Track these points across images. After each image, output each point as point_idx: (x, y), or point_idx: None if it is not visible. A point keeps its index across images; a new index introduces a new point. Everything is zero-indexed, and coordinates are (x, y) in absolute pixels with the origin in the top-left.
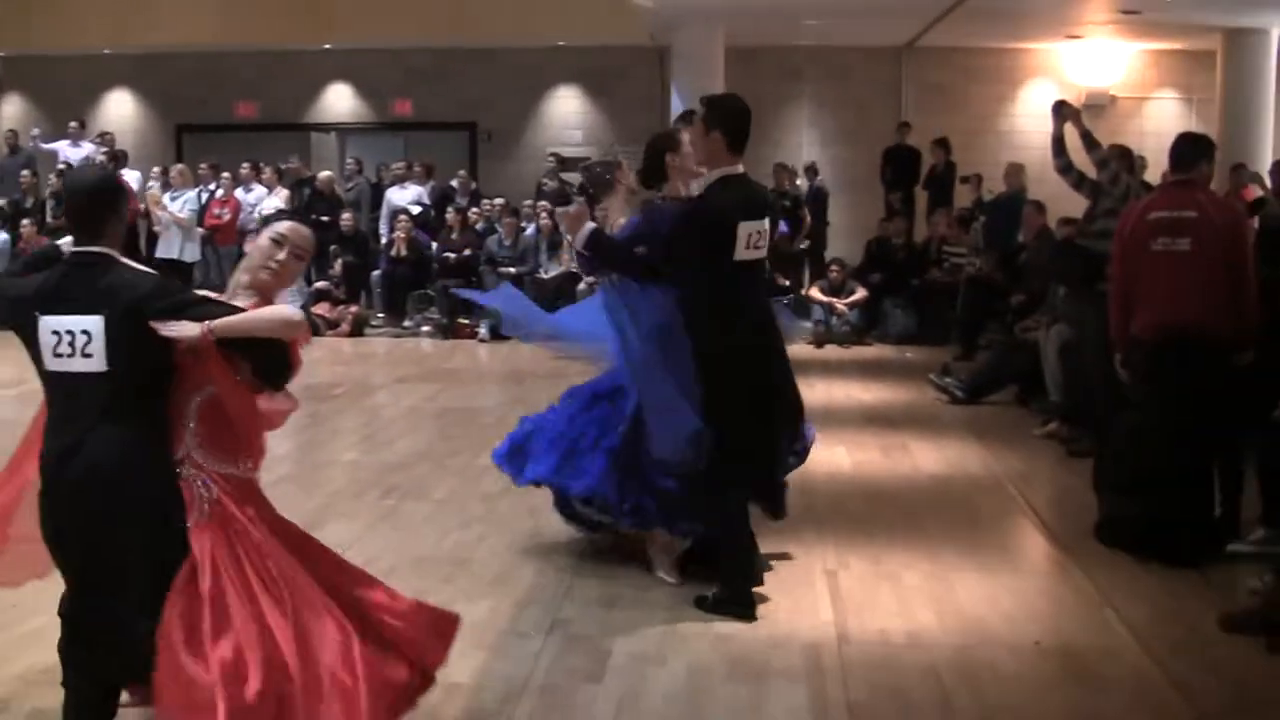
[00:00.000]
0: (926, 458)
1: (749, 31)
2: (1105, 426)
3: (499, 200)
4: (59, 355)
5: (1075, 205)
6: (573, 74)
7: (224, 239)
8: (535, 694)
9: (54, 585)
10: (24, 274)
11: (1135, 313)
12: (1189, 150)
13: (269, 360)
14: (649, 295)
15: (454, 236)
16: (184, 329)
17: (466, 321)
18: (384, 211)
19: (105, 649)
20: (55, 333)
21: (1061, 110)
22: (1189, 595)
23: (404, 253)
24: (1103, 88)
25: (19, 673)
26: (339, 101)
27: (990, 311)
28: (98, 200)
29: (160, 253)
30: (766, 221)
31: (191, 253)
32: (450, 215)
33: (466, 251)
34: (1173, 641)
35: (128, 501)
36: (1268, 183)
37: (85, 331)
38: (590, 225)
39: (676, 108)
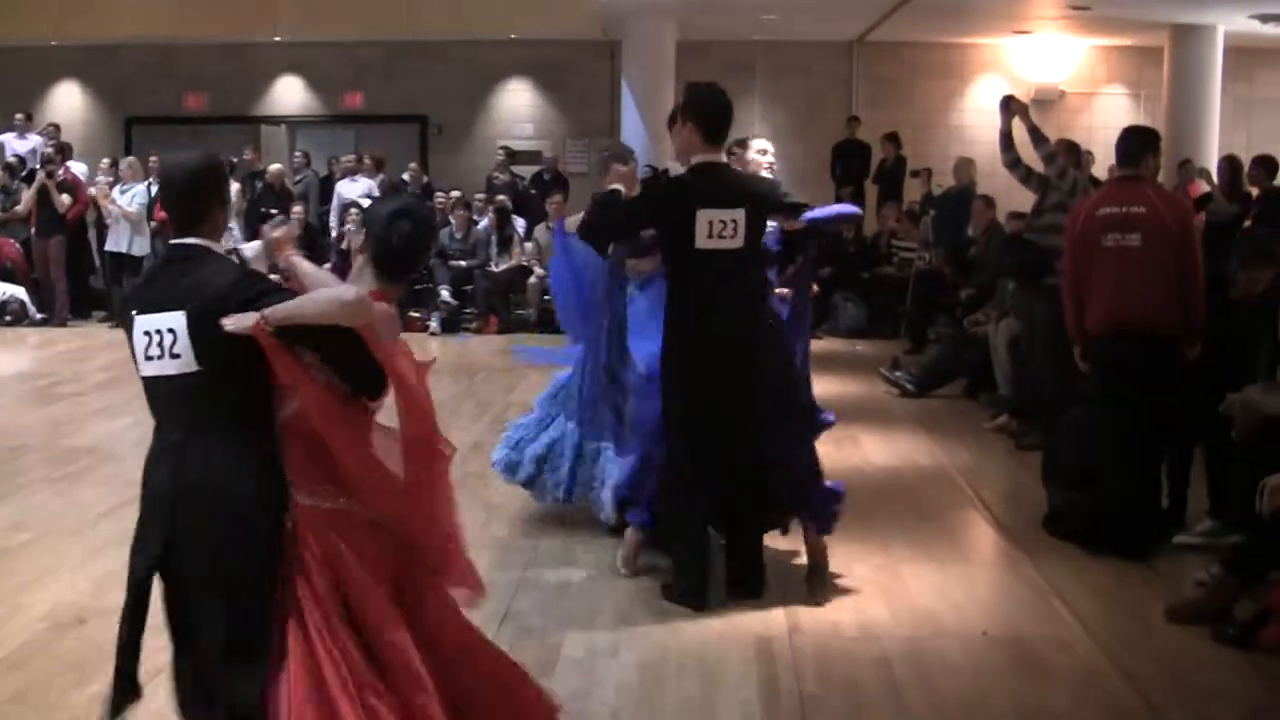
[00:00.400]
0: (877, 450)
1: (701, 26)
2: (1054, 419)
3: (455, 193)
4: (150, 358)
5: (1024, 200)
6: (524, 67)
7: None
8: None
9: (4, 586)
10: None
11: (1087, 307)
12: (1135, 144)
13: (340, 357)
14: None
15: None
16: (242, 320)
17: (417, 315)
18: (334, 205)
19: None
20: (146, 333)
21: (1010, 106)
22: (1137, 586)
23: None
24: (1052, 83)
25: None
26: (289, 94)
27: (940, 305)
28: (199, 187)
29: (109, 246)
30: (741, 212)
31: (141, 246)
32: None
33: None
34: (1120, 632)
35: (225, 523)
36: (1214, 178)
37: (171, 330)
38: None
39: (627, 101)
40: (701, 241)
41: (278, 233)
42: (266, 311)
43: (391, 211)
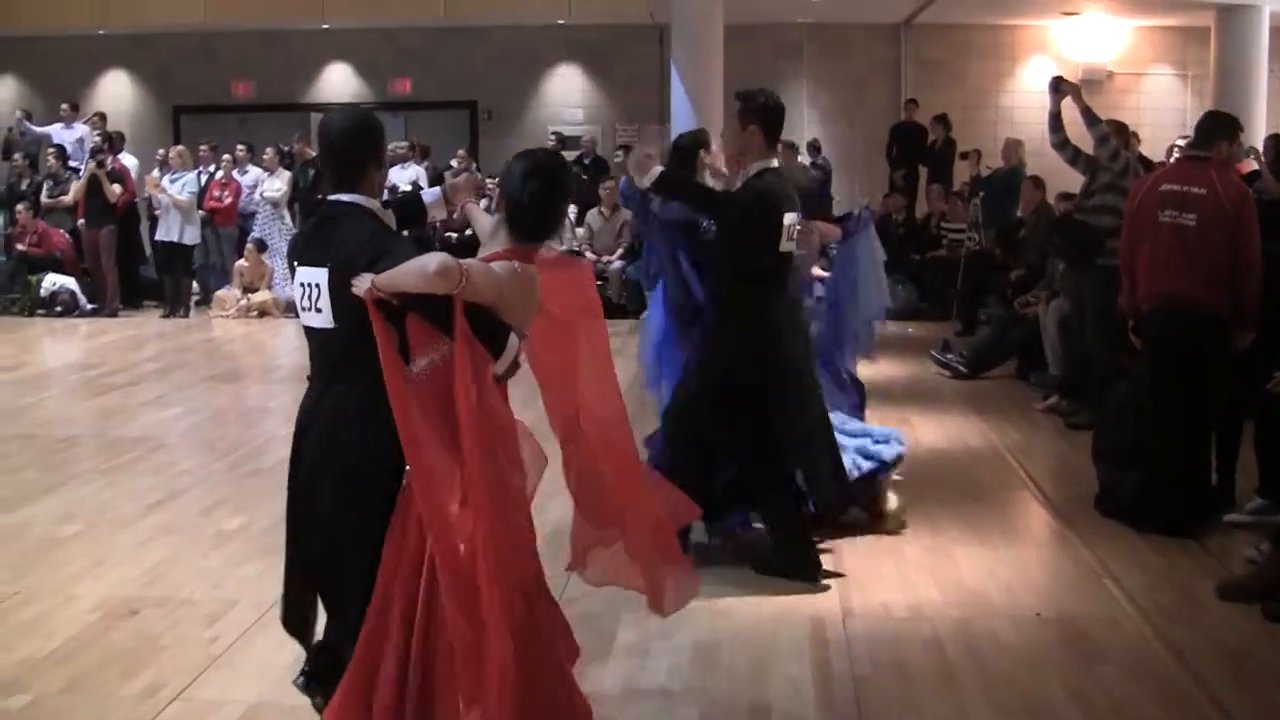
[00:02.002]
0: (928, 432)
1: (748, 9)
2: (1103, 398)
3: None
4: (304, 309)
5: (1073, 180)
6: (572, 52)
7: (224, 220)
8: None
9: (51, 575)
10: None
11: (1138, 281)
12: (1210, 127)
13: (433, 317)
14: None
15: (455, 216)
16: (360, 283)
17: None
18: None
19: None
20: (303, 284)
21: (1060, 87)
22: (1187, 564)
23: (404, 233)
24: (1100, 63)
25: (21, 658)
26: (337, 81)
27: (990, 287)
28: (355, 145)
29: (160, 235)
30: (799, 216)
31: (191, 235)
32: None
33: (468, 231)
34: (1171, 610)
35: (348, 476)
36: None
37: (316, 284)
38: (658, 167)
39: (676, 85)
40: (784, 244)
41: (458, 180)
42: (374, 278)
43: (524, 171)
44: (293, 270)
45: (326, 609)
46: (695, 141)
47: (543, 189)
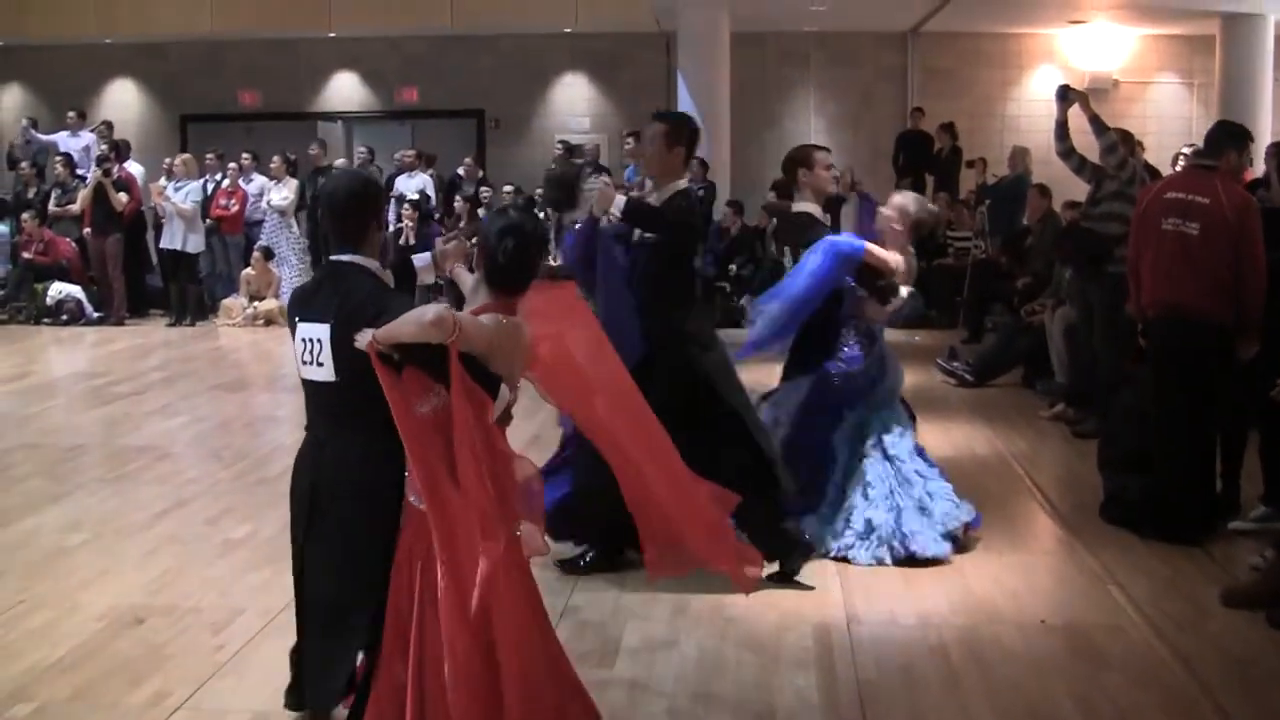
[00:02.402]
0: (934, 440)
1: (755, 16)
2: (1109, 406)
3: (507, 188)
4: (305, 363)
5: (1077, 188)
6: (579, 60)
7: (230, 229)
8: None
9: (57, 584)
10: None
11: (1142, 287)
12: (1219, 137)
13: (429, 367)
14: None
15: (462, 224)
16: (363, 337)
17: None
18: (392, 201)
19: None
20: (304, 339)
21: (1067, 95)
22: (1192, 572)
23: (413, 241)
24: (1106, 72)
25: (27, 667)
26: (344, 90)
27: (996, 295)
28: (357, 207)
29: (164, 243)
30: None
31: (195, 244)
32: (459, 204)
33: (473, 240)
34: (1176, 617)
35: (353, 515)
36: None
37: (319, 340)
38: (621, 196)
39: (682, 93)
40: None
41: (447, 247)
42: (375, 331)
43: (499, 229)
44: (293, 326)
45: (326, 632)
46: (794, 162)
47: (517, 247)
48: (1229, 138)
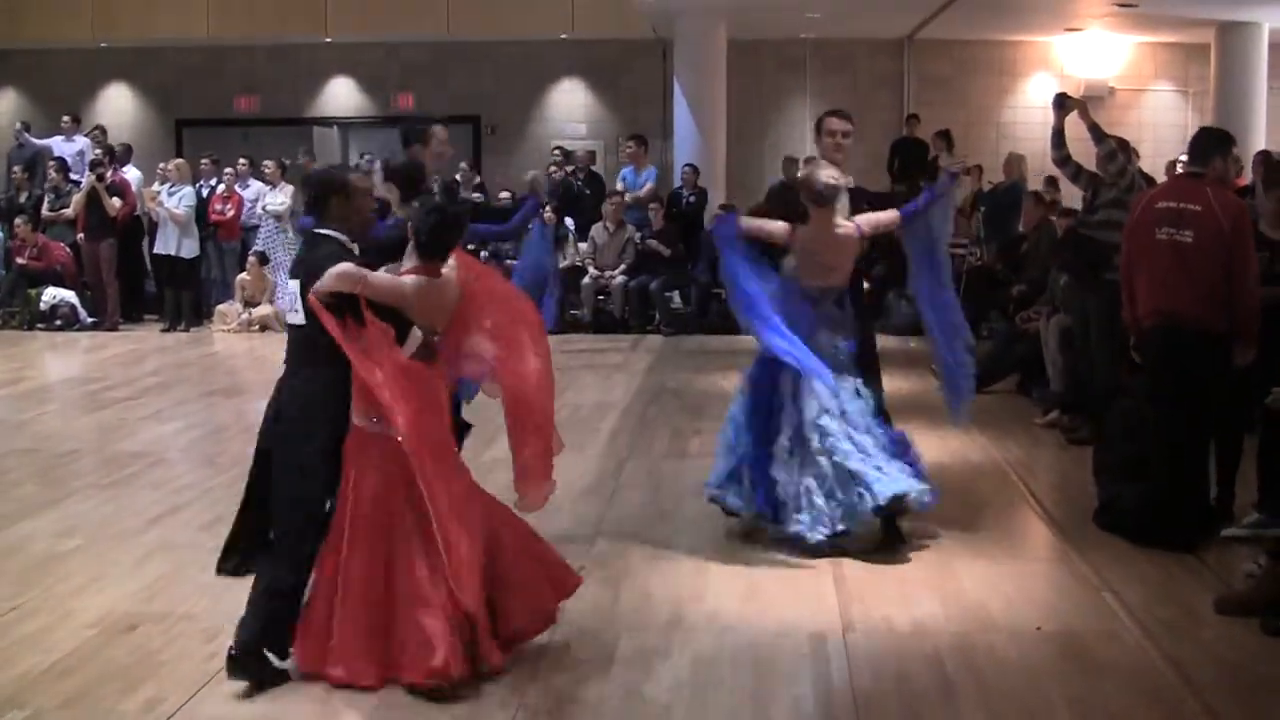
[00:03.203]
0: (929, 447)
1: (751, 25)
2: (1105, 413)
3: (504, 194)
4: (294, 310)
5: (1073, 196)
6: (576, 67)
7: (227, 234)
8: (542, 689)
9: (50, 591)
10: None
11: (1137, 298)
12: (1204, 144)
13: (352, 311)
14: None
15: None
16: (314, 290)
17: None
18: None
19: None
20: (290, 293)
21: (1064, 103)
22: (1186, 579)
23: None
24: (1101, 79)
25: (20, 674)
26: (340, 95)
27: (991, 302)
28: (321, 192)
29: (158, 248)
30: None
31: (189, 249)
32: None
33: (470, 246)
34: (1170, 624)
35: (302, 435)
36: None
37: (293, 293)
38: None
39: (679, 100)
40: None
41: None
42: (315, 286)
43: (426, 209)
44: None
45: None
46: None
47: (437, 224)
48: (1214, 144)
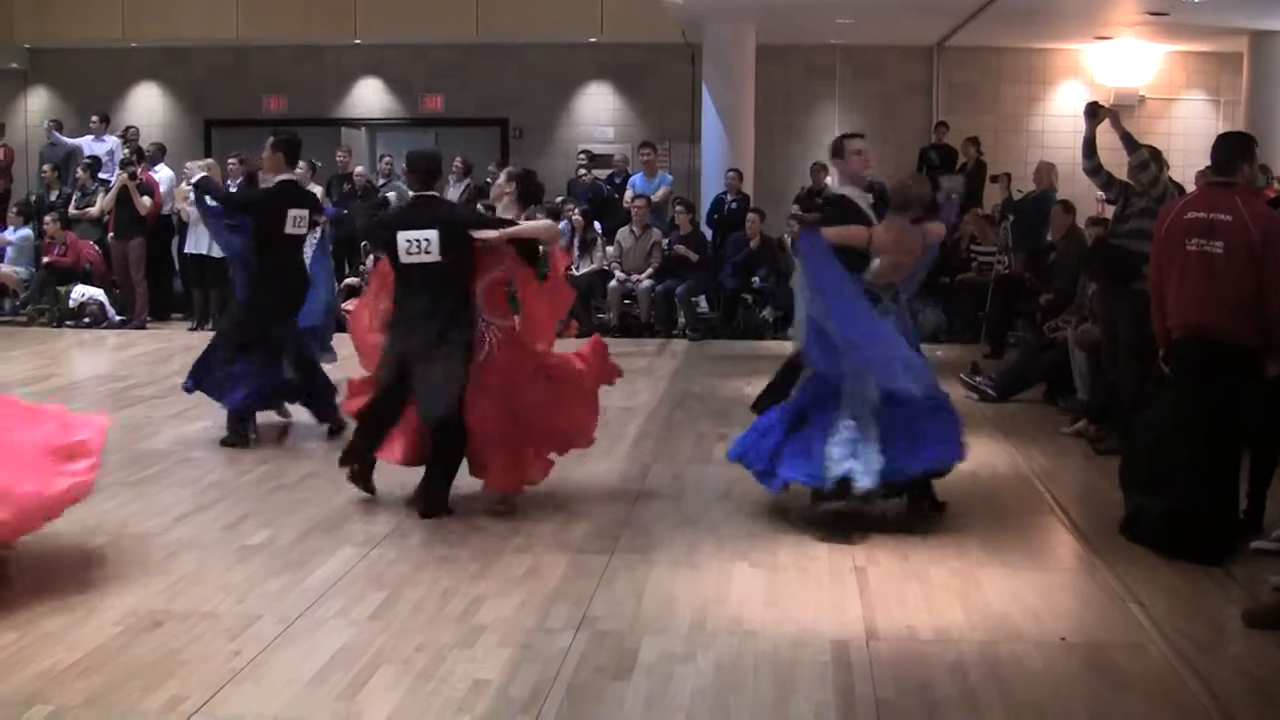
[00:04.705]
0: None
1: (780, 29)
2: (1132, 424)
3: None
4: (411, 254)
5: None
6: (604, 71)
7: None
8: (563, 691)
9: (75, 586)
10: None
11: (1167, 310)
12: (1230, 151)
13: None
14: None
15: None
16: (486, 234)
17: None
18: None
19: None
20: (408, 240)
21: (1096, 112)
22: (1213, 591)
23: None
24: (1132, 88)
25: (43, 670)
26: (368, 96)
27: (1019, 310)
28: (431, 167)
29: (188, 248)
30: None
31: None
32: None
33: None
34: (1197, 637)
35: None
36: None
37: (427, 239)
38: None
39: (708, 105)
40: None
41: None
42: (502, 232)
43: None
44: (391, 235)
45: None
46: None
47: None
48: (1240, 151)
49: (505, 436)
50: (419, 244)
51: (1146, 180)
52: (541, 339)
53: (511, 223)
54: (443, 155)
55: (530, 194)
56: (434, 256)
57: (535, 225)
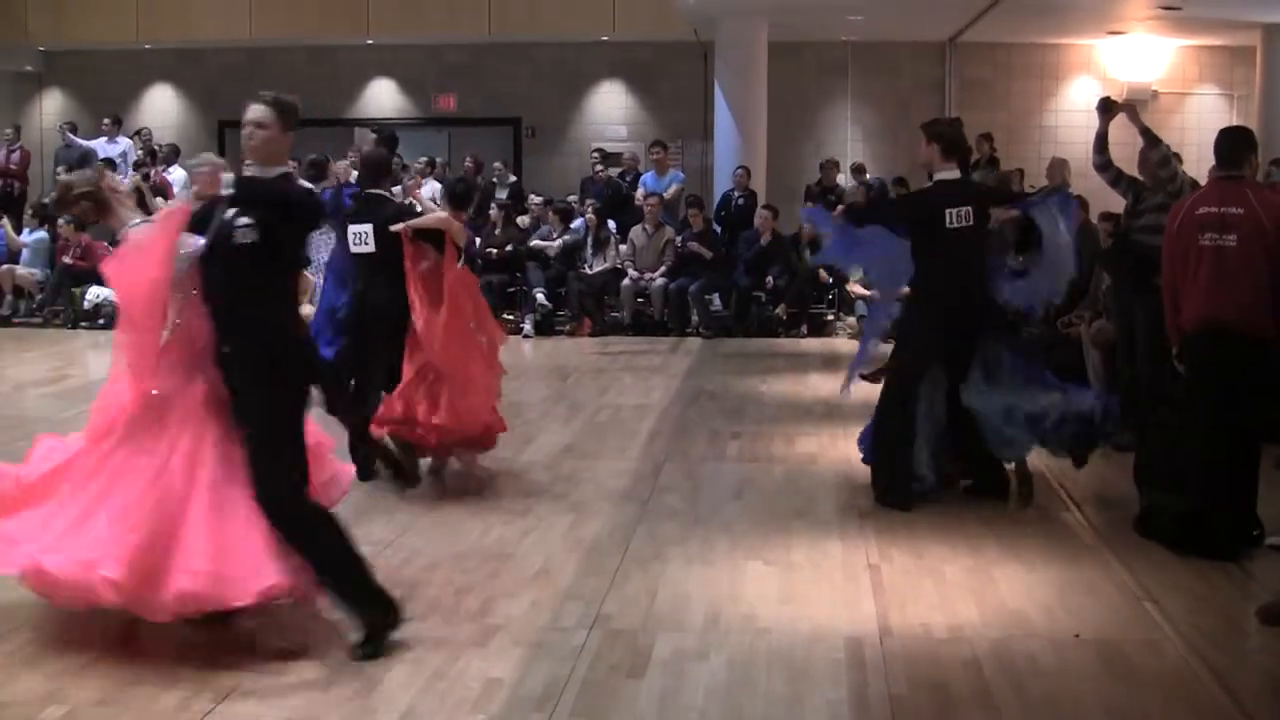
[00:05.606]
0: None
1: (792, 27)
2: (1147, 420)
3: (535, 198)
4: (355, 245)
5: (1116, 201)
6: (616, 69)
7: None
8: (577, 689)
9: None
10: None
11: (1181, 305)
12: (1236, 145)
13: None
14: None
15: (497, 232)
16: (395, 227)
17: (511, 317)
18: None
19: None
20: (354, 232)
21: (1110, 108)
22: (1228, 588)
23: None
24: (1145, 83)
25: (58, 670)
26: (382, 97)
27: None
28: (377, 168)
29: None
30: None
31: None
32: (493, 211)
33: (509, 247)
34: (1212, 634)
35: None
36: None
37: (365, 232)
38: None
39: (720, 103)
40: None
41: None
42: (410, 223)
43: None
44: (344, 225)
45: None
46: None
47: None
48: (1245, 145)
49: (454, 370)
50: (360, 236)
51: (1165, 176)
52: (471, 319)
53: (417, 216)
54: (390, 156)
55: (459, 196)
56: (370, 248)
57: (428, 217)
